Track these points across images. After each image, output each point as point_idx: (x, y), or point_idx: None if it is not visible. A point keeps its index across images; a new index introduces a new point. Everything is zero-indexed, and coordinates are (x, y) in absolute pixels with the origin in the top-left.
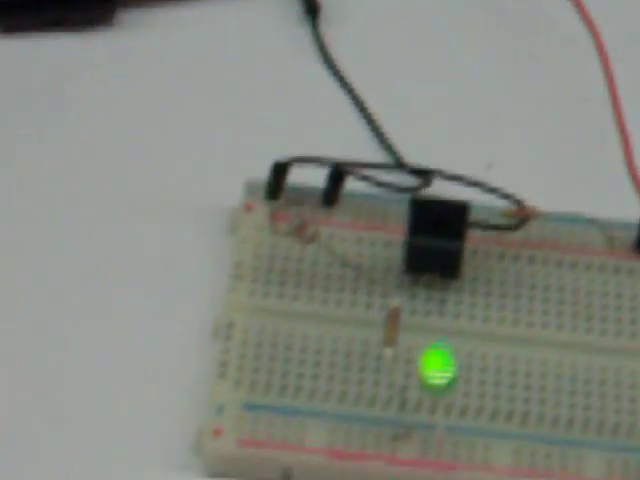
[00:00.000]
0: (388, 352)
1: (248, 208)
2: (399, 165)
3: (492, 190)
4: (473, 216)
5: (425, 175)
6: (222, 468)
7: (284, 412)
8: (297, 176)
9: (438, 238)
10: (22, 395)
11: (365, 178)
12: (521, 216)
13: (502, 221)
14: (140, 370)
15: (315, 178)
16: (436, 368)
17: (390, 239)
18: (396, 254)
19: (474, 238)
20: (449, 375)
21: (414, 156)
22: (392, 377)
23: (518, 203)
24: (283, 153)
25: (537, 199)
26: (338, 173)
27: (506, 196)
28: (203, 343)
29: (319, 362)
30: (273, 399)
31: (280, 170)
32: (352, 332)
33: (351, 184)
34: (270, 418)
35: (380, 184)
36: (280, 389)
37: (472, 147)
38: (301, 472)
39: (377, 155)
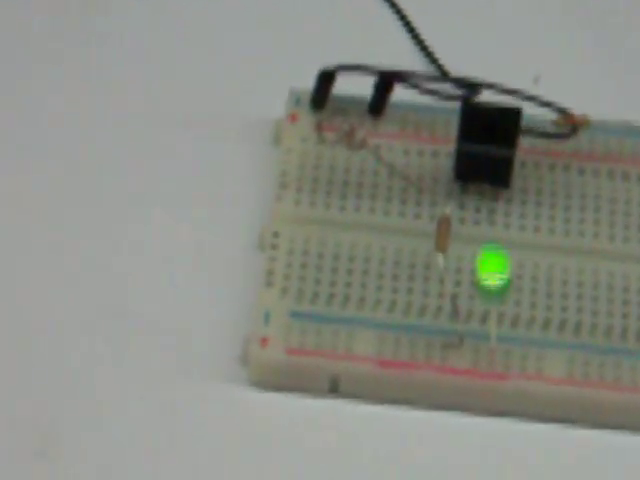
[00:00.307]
0: (440, 259)
1: (293, 118)
2: (447, 76)
3: (546, 104)
4: (524, 125)
5: (473, 86)
6: (269, 377)
7: (332, 321)
8: (342, 87)
9: (489, 144)
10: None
11: (415, 86)
12: (572, 124)
13: (553, 130)
14: (188, 279)
15: (360, 89)
16: (491, 269)
17: (438, 149)
18: (444, 164)
19: (525, 149)
20: (504, 277)
21: (458, 69)
22: (443, 285)
23: (569, 114)
24: (327, 63)
25: (587, 111)
26: (385, 81)
27: (560, 110)
28: (251, 253)
29: (367, 271)
30: (321, 308)
31: (326, 78)
32: (400, 242)
33: (397, 95)
34: (318, 327)
35: (429, 92)
36: (328, 298)
37: (518, 60)
38: (349, 381)
39: (421, 68)
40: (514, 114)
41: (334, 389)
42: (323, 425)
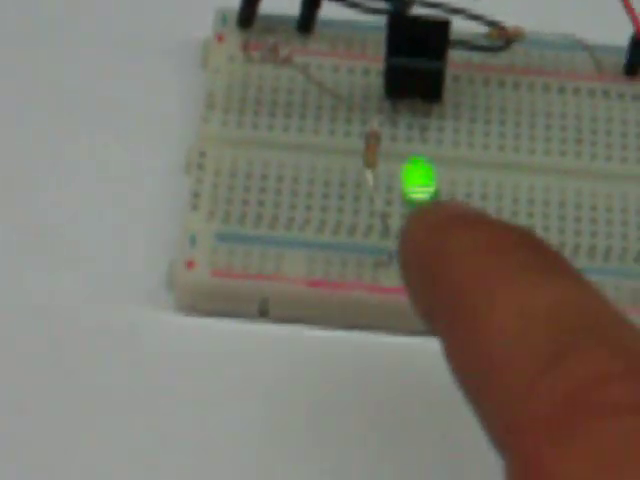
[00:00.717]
0: (369, 176)
1: (220, 38)
2: None
3: (476, 17)
4: (455, 38)
5: (403, 2)
6: (195, 301)
7: (260, 242)
8: (272, 5)
9: (419, 58)
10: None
11: (345, 3)
12: (505, 37)
13: (486, 43)
14: (114, 202)
15: (291, 7)
16: (417, 182)
17: (369, 67)
18: (376, 82)
19: (458, 64)
20: (430, 189)
21: None
22: (374, 202)
23: (502, 29)
24: None
25: (523, 24)
26: None
27: (491, 23)
28: (178, 175)
29: (296, 191)
30: (248, 229)
31: None
32: (330, 160)
33: (327, 11)
34: (245, 249)
35: (356, 5)
36: (255, 219)
37: None
38: (279, 303)
39: None
40: (443, 26)
41: (264, 312)
42: (253, 348)
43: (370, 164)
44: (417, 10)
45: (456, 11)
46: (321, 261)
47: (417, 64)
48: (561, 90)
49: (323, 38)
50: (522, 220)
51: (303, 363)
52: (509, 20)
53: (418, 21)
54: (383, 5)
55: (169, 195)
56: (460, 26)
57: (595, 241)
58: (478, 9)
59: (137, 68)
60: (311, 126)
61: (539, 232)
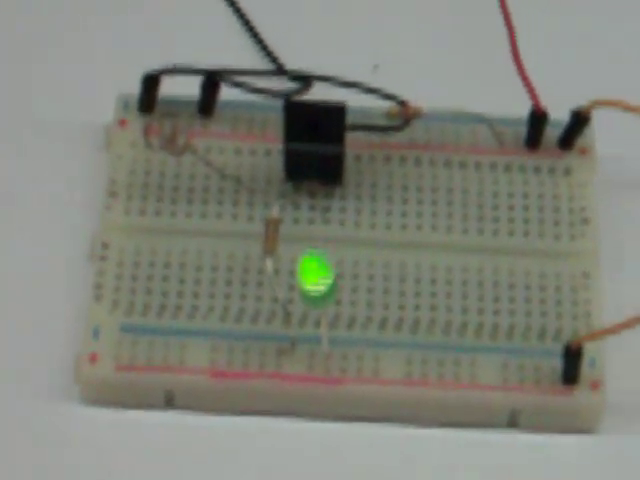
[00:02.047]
0: (269, 263)
1: (122, 123)
2: (276, 70)
3: (373, 91)
4: (355, 119)
5: (303, 79)
6: (101, 394)
7: (163, 333)
8: (174, 88)
9: (316, 142)
10: None
11: (239, 85)
12: (404, 116)
13: (386, 122)
14: (16, 293)
15: (191, 90)
16: (312, 277)
17: (271, 148)
18: (277, 163)
19: (358, 142)
20: (326, 284)
21: (299, 62)
22: (275, 290)
23: (401, 103)
24: (161, 64)
25: (425, 99)
26: (211, 81)
27: (389, 97)
28: (79, 265)
29: (199, 279)
30: (152, 320)
31: (151, 82)
32: (233, 246)
33: (229, 93)
34: (149, 340)
35: (255, 90)
36: (159, 309)
37: (357, 50)
38: (184, 395)
39: (260, 63)
40: (338, 110)
41: (169, 402)
42: (159, 439)
43: (269, 251)
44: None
45: (354, 85)
46: (224, 350)
47: (315, 149)
48: (463, 165)
49: (225, 120)
50: (425, 300)
51: (208, 451)
52: (409, 95)
53: (314, 106)
54: (288, 86)
55: (74, 284)
56: (360, 99)
57: (498, 319)
58: (379, 84)
59: (39, 152)
60: (213, 211)
61: (442, 312)
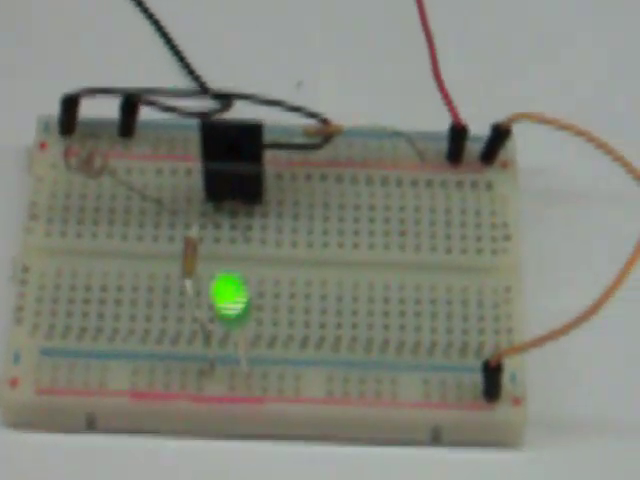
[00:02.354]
0: (188, 283)
1: (42, 146)
2: (195, 90)
3: (294, 109)
4: (275, 137)
5: (224, 98)
6: (22, 418)
7: (84, 356)
8: (96, 109)
9: (235, 162)
10: None
11: (158, 105)
12: (324, 134)
13: (305, 140)
14: None
15: (111, 112)
16: (227, 298)
17: (192, 168)
18: (198, 183)
19: (279, 161)
20: (241, 304)
21: (223, 81)
22: (195, 310)
23: (323, 121)
24: (82, 86)
25: (346, 115)
26: (129, 102)
27: (310, 114)
28: (3, 287)
29: (120, 301)
30: (72, 343)
31: (70, 104)
32: (154, 267)
33: (150, 113)
34: (70, 363)
35: (174, 110)
36: (79, 332)
37: (280, 68)
38: (105, 417)
39: (184, 82)
40: (255, 129)
41: (91, 425)
42: (80, 462)
43: (188, 273)
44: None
45: (274, 103)
46: (145, 371)
47: (234, 168)
48: (384, 181)
49: (145, 141)
50: (347, 318)
51: (130, 473)
52: (331, 112)
53: (230, 125)
54: (208, 106)
55: None
56: (283, 118)
57: (419, 336)
58: (302, 102)
59: None
60: (134, 233)
61: (363, 330)
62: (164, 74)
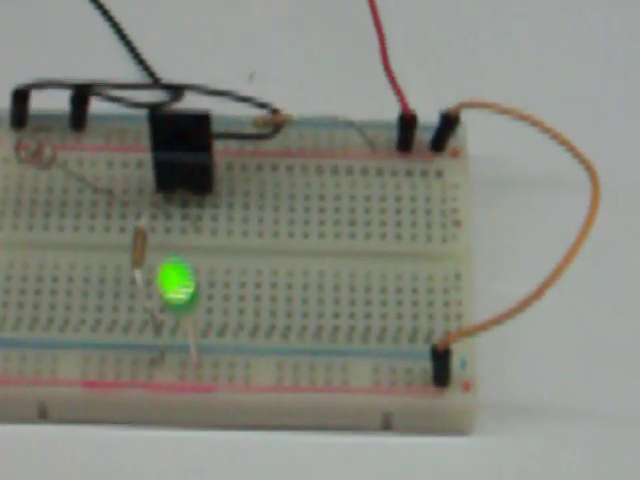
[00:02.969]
0: (137, 273)
1: None
2: (146, 82)
3: (244, 99)
4: (226, 127)
5: (175, 90)
6: None
7: (35, 346)
8: (48, 102)
9: (183, 152)
10: None
11: (108, 97)
12: (273, 123)
13: (255, 130)
14: None
15: (63, 104)
16: (173, 285)
17: (142, 159)
18: (149, 174)
19: (229, 151)
20: (187, 291)
21: (174, 73)
22: (145, 300)
23: (272, 111)
24: (33, 79)
25: (296, 106)
26: (80, 95)
27: (260, 105)
28: None
29: (71, 291)
30: (24, 333)
31: (20, 97)
32: (106, 258)
33: (101, 105)
34: (21, 353)
35: (123, 102)
36: (31, 322)
37: (231, 59)
38: (56, 406)
39: (136, 75)
40: (203, 119)
41: (42, 415)
42: (33, 452)
43: (138, 262)
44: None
45: (223, 94)
46: (96, 361)
47: (183, 158)
48: (334, 170)
49: (97, 133)
50: (297, 307)
51: (82, 463)
52: (282, 102)
53: (178, 116)
54: (158, 97)
55: None
56: (235, 109)
57: (369, 322)
58: (253, 92)
59: None
60: (86, 224)
61: (314, 318)
62: (115, 66)
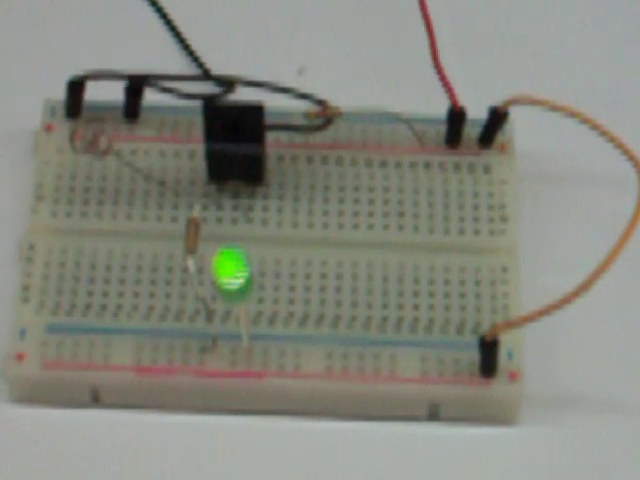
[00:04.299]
0: (190, 261)
1: (49, 128)
2: (199, 75)
3: (294, 92)
4: (277, 119)
5: (226, 83)
6: (29, 392)
7: (89, 332)
8: (102, 92)
9: (237, 143)
10: None
11: (163, 89)
12: (324, 116)
13: (306, 123)
14: None
15: (117, 95)
16: (228, 272)
17: (194, 150)
18: (201, 165)
19: (280, 143)
20: (242, 278)
21: (225, 67)
22: (198, 288)
23: (322, 104)
24: (86, 69)
25: (347, 99)
26: (134, 86)
27: (308, 97)
28: (7, 267)
29: (124, 279)
30: (77, 319)
31: (76, 87)
32: (158, 246)
33: (154, 97)
34: (75, 339)
35: (176, 93)
36: (84, 309)
37: (281, 53)
38: (109, 391)
39: (186, 67)
40: (257, 110)
41: (95, 399)
42: (86, 436)
43: (191, 250)
44: (241, 91)
45: (274, 88)
46: (149, 347)
47: (235, 149)
48: (383, 163)
49: (150, 123)
50: (346, 297)
51: (134, 447)
52: (332, 95)
53: (232, 107)
54: (210, 89)
55: (2, 286)
56: (282, 104)
57: (417, 313)
58: (300, 87)
59: None
60: (138, 213)
61: (362, 308)
62: (167, 59)
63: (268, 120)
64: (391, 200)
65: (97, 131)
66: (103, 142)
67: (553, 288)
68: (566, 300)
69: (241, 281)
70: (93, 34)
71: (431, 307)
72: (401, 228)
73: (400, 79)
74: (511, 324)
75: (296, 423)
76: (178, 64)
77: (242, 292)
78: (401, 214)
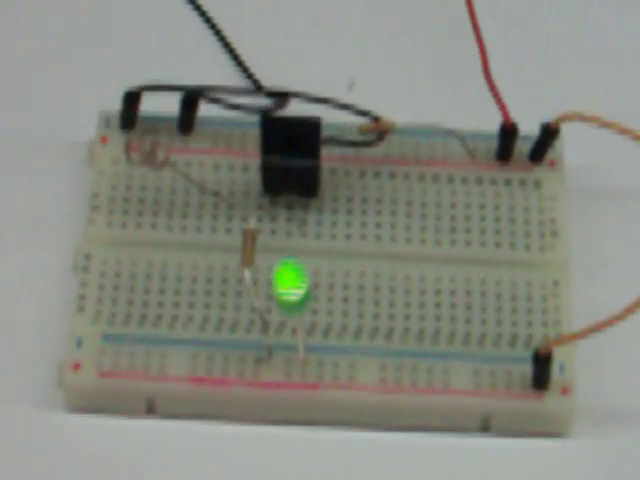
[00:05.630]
0: (246, 273)
1: (104, 140)
2: (253, 88)
3: (347, 107)
4: (330, 133)
5: (280, 96)
6: (84, 401)
7: (144, 342)
8: (156, 105)
9: (293, 156)
10: None
11: (218, 102)
12: (378, 131)
13: (360, 137)
14: (1, 304)
15: (172, 107)
16: (287, 284)
17: (248, 163)
18: (255, 178)
19: (334, 157)
20: (301, 291)
21: (275, 80)
22: (254, 299)
23: (375, 119)
24: (141, 82)
25: (399, 114)
26: (190, 99)
27: (362, 112)
28: (63, 277)
29: (179, 290)
30: (133, 329)
31: (131, 99)
32: (212, 258)
33: (208, 110)
34: (130, 349)
35: (233, 106)
36: (140, 319)
37: (333, 67)
38: (164, 401)
39: (238, 81)
40: (314, 125)
41: (151, 409)
42: (140, 446)
43: (247, 262)
44: (295, 105)
45: (328, 102)
46: (204, 358)
47: (291, 162)
48: (435, 178)
49: (204, 136)
50: (399, 310)
51: (188, 457)
52: (385, 111)
53: (290, 121)
54: (264, 103)
55: (58, 295)
56: (336, 115)
57: (470, 327)
58: (355, 100)
59: (23, 168)
60: (193, 224)
61: (416, 320)
62: (218, 72)
63: (322, 133)
64: (443, 215)
65: (155, 143)
66: (161, 154)
67: (603, 303)
68: (619, 317)
69: (301, 292)
70: (148, 48)
71: (483, 321)
72: (453, 242)
73: (452, 95)
74: (565, 339)
75: (350, 434)
76: (229, 78)
77: (301, 303)
78: (453, 229)
